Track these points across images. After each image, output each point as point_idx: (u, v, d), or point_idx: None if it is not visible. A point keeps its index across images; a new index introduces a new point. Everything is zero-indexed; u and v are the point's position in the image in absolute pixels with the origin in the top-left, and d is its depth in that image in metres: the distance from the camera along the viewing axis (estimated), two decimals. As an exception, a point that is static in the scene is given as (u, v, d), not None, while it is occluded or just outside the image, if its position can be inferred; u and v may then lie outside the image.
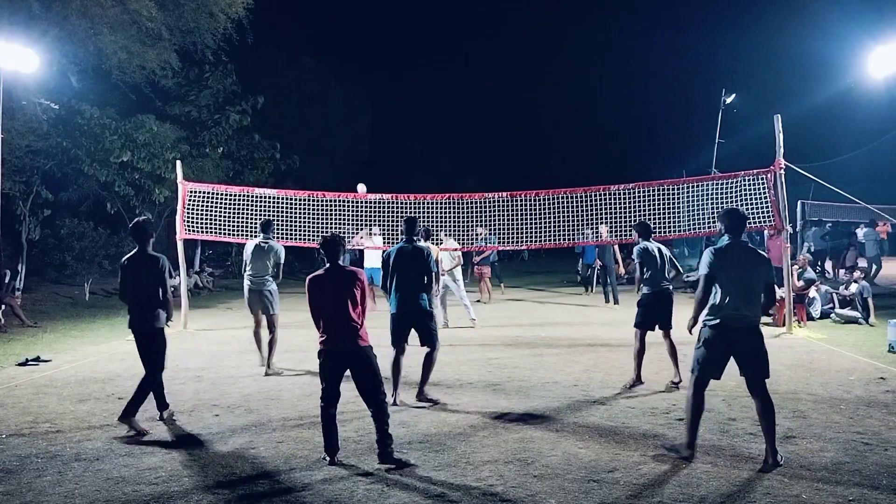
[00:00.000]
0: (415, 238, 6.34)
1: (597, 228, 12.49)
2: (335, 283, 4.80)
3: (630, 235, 11.53)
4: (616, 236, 11.92)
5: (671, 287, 6.94)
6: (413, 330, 6.28)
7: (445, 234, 12.21)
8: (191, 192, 11.94)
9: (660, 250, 6.86)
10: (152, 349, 5.62)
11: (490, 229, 13.15)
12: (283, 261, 8.13)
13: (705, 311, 4.69)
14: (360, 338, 4.77)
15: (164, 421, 5.71)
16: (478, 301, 15.02)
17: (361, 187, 13.04)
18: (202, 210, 11.83)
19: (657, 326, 6.78)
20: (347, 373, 4.81)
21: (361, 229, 12.62)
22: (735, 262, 4.60)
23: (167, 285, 5.64)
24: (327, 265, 4.87)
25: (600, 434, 5.26)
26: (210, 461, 4.76)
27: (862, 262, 15.93)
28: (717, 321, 4.57)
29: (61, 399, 6.56)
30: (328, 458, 4.72)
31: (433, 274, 6.25)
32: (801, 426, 5.39)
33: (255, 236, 8.42)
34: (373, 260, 13.09)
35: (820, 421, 5.52)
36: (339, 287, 4.78)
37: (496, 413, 5.89)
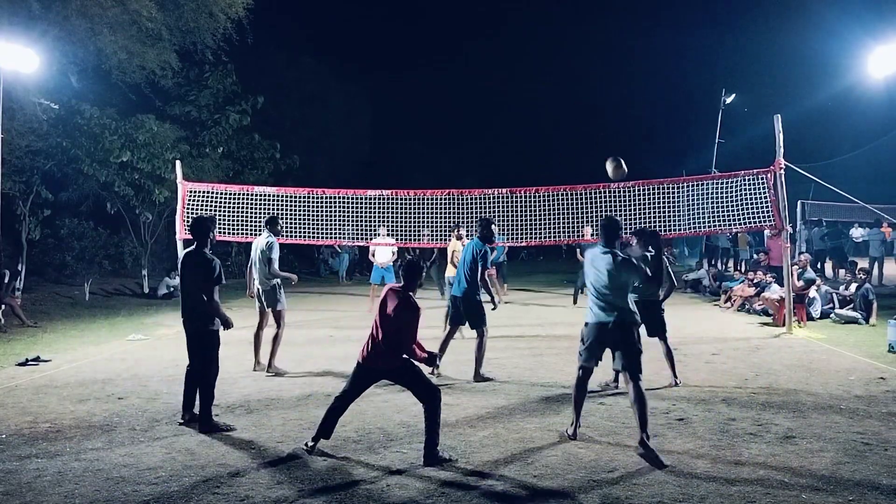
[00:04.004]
0: (491, 237, 7.62)
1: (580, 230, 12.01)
2: (396, 304, 4.82)
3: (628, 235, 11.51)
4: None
5: (660, 296, 6.90)
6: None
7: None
8: (191, 191, 11.95)
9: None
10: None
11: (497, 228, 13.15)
12: None
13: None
14: (394, 359, 4.80)
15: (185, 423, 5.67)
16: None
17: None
18: (202, 210, 11.82)
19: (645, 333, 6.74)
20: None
21: (372, 236, 12.69)
22: (592, 267, 5.21)
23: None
24: (404, 284, 4.90)
25: (600, 434, 5.27)
26: (210, 461, 4.76)
27: (862, 263, 15.93)
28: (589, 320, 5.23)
29: (61, 399, 6.55)
30: (310, 444, 4.82)
31: (479, 265, 7.40)
32: (801, 426, 5.39)
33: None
34: (383, 257, 13.17)
35: (820, 421, 5.53)
36: (397, 309, 4.79)
37: (496, 413, 5.90)
